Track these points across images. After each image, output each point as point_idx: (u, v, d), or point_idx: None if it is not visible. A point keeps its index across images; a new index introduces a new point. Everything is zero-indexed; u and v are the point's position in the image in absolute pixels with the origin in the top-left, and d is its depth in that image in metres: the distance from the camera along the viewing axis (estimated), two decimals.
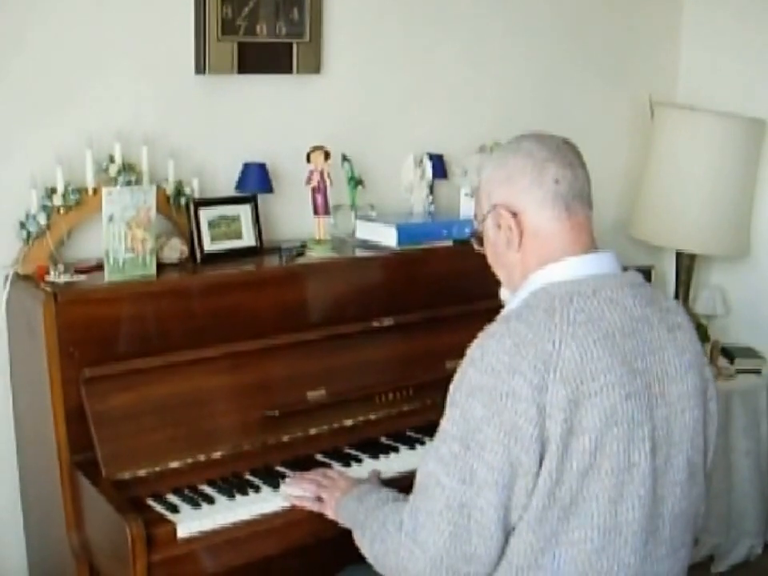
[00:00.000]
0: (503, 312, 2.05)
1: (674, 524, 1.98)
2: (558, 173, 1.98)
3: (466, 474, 1.85)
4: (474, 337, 1.95)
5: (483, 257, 2.16)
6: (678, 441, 1.96)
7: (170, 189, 2.88)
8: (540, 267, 1.99)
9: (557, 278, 1.95)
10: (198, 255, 2.84)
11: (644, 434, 1.88)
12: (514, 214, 2.01)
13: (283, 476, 2.53)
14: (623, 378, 1.86)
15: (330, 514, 2.33)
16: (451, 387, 1.94)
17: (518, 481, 1.83)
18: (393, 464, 2.62)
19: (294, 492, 2.43)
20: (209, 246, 2.86)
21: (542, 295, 1.93)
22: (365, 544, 2.12)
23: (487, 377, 1.84)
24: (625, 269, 2.05)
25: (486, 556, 1.87)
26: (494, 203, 2.04)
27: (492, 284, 2.19)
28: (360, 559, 2.16)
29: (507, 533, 1.87)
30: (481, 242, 2.14)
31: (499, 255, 2.08)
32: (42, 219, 2.67)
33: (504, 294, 2.14)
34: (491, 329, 1.92)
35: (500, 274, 2.13)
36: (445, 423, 1.92)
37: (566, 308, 1.87)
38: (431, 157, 3.38)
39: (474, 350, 1.91)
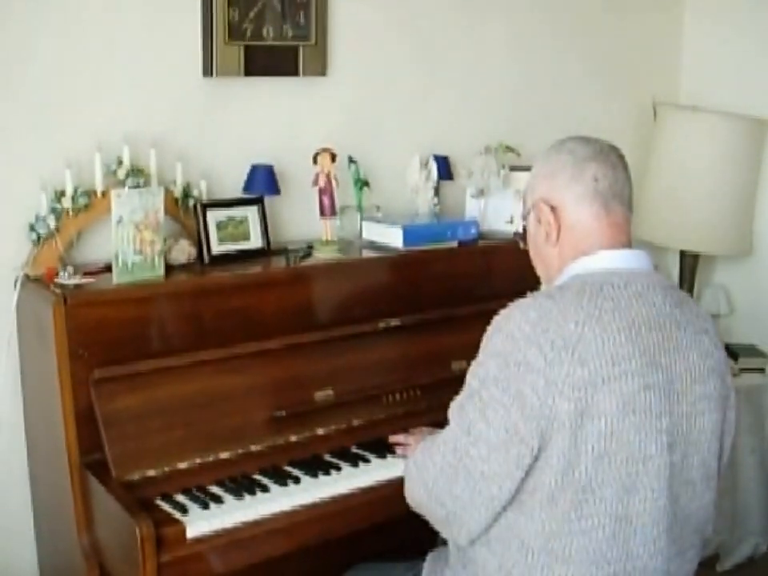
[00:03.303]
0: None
1: (683, 524, 2.00)
2: (599, 171, 2.04)
3: (465, 423, 1.96)
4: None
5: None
6: (696, 441, 1.98)
7: (177, 191, 2.90)
8: (575, 259, 2.04)
9: (591, 268, 2.01)
10: (206, 257, 2.86)
11: (662, 428, 1.91)
12: (553, 209, 2.07)
13: (291, 476, 2.55)
14: (644, 368, 1.90)
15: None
16: (481, 345, 2.02)
17: (511, 448, 1.88)
18: (400, 464, 2.63)
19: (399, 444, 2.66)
20: (216, 247, 2.88)
21: (574, 280, 1.99)
22: None
23: (507, 343, 1.91)
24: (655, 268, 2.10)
25: (469, 502, 1.97)
26: (535, 199, 2.11)
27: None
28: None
29: (494, 497, 1.93)
30: (525, 240, 2.20)
31: (539, 249, 2.15)
32: (52, 222, 2.69)
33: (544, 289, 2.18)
34: (521, 301, 1.98)
35: (539, 268, 2.19)
36: (468, 375, 2.02)
37: (595, 293, 1.92)
38: (437, 158, 3.40)
39: (500, 319, 1.98)
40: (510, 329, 1.92)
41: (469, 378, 2.02)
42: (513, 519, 1.95)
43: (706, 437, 1.99)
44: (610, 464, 1.87)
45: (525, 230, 2.20)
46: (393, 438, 2.69)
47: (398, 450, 2.65)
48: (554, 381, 1.85)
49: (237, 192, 3.05)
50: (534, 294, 1.99)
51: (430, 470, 2.05)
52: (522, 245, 2.23)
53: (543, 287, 2.18)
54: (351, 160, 3.20)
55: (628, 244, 2.07)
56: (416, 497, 2.14)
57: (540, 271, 2.18)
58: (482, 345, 2.01)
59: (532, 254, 2.19)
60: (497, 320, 1.99)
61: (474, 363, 2.02)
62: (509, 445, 1.89)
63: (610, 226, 2.04)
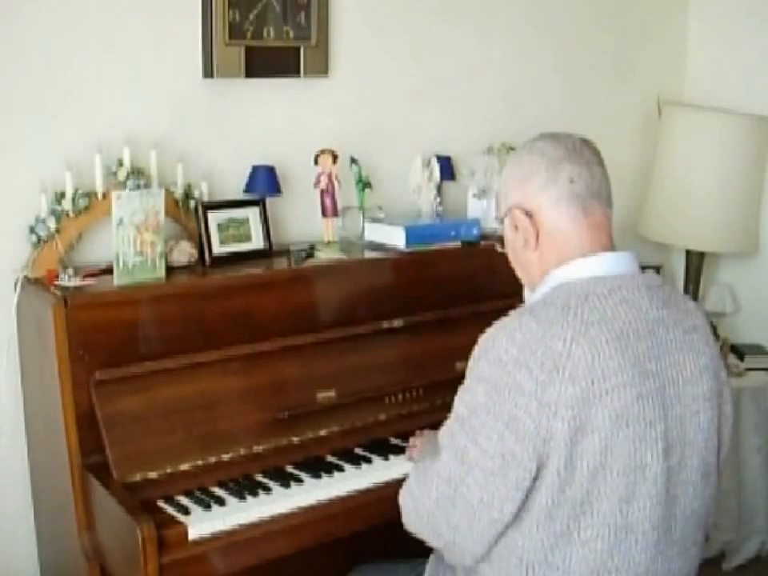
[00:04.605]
0: (520, 306, 2.06)
1: (686, 523, 1.98)
2: (574, 172, 1.99)
3: (458, 452, 1.91)
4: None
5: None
6: (693, 441, 1.96)
7: (178, 192, 2.89)
8: (558, 266, 1.99)
9: (573, 277, 1.96)
10: (207, 258, 2.85)
11: (656, 435, 1.88)
12: (529, 215, 2.02)
13: (294, 477, 2.54)
14: (635, 378, 1.86)
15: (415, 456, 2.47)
16: (466, 371, 1.98)
17: (509, 472, 1.84)
18: (403, 465, 2.62)
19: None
20: (218, 248, 2.88)
21: (558, 292, 1.93)
22: None
23: (494, 367, 1.87)
24: (643, 269, 2.05)
25: (467, 530, 1.92)
26: (510, 205, 2.06)
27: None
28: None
29: (496, 521, 1.89)
30: (503, 243, 2.15)
31: (518, 255, 2.09)
32: (52, 223, 2.69)
33: (527, 294, 2.14)
34: (505, 320, 1.94)
35: (520, 274, 2.14)
36: (456, 401, 1.98)
37: (580, 306, 1.88)
38: (439, 158, 3.39)
39: (486, 340, 1.93)
40: (497, 352, 1.88)
41: (457, 404, 1.98)
42: (511, 537, 1.92)
43: (702, 436, 1.97)
44: (606, 477, 1.84)
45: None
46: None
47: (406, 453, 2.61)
48: (547, 402, 1.81)
49: (238, 193, 3.04)
50: (517, 313, 1.94)
51: (426, 502, 1.99)
52: (499, 248, 2.17)
53: (525, 292, 2.14)
54: (353, 160, 3.19)
55: (609, 244, 2.02)
56: (413, 527, 2.09)
57: (521, 276, 2.13)
58: (468, 369, 1.96)
59: (511, 259, 2.13)
60: (481, 343, 1.94)
61: (460, 388, 1.98)
62: (506, 470, 1.85)
63: (589, 228, 2.00)
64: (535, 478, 1.85)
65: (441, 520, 1.96)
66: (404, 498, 2.10)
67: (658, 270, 4.08)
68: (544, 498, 1.85)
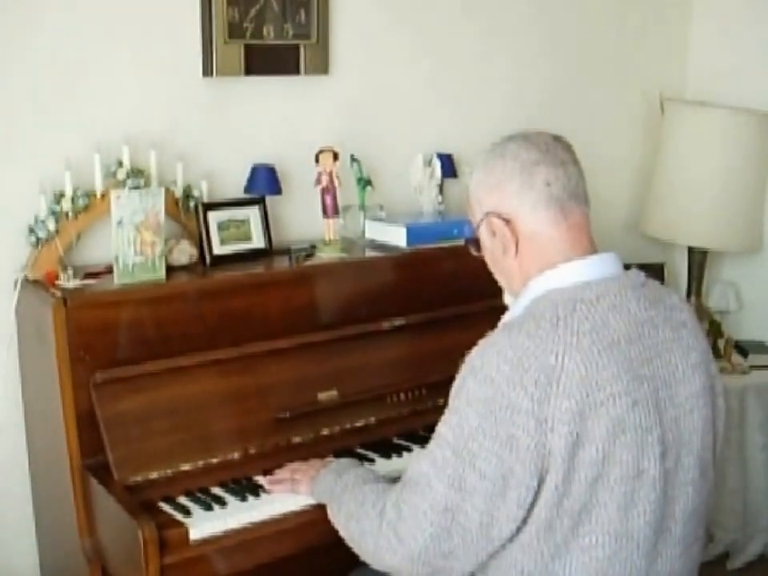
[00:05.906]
0: (504, 318, 2.03)
1: (687, 522, 1.96)
2: (550, 174, 1.94)
3: (455, 480, 1.85)
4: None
5: None
6: (688, 441, 1.94)
7: (178, 192, 2.88)
8: (540, 273, 1.95)
9: (558, 284, 1.92)
10: (208, 258, 2.84)
11: (653, 440, 1.86)
12: (507, 221, 1.98)
13: None
14: (629, 385, 1.83)
15: (304, 489, 2.38)
16: (451, 392, 1.92)
17: (509, 492, 1.81)
18: (405, 464, 2.60)
19: (271, 479, 2.49)
20: (218, 248, 2.86)
21: (544, 303, 1.89)
22: (340, 520, 2.16)
23: (486, 387, 1.82)
24: (627, 267, 2.01)
25: (463, 554, 1.88)
26: (486, 211, 2.01)
27: None
28: None
29: (494, 540, 1.86)
30: (478, 247, 2.10)
31: (497, 262, 2.06)
32: (51, 224, 2.68)
33: (508, 298, 2.11)
34: (492, 337, 1.89)
35: (500, 279, 2.10)
36: (441, 427, 1.91)
37: (569, 317, 1.84)
38: (440, 156, 3.38)
39: (473, 359, 1.88)
40: (487, 372, 1.83)
41: (442, 429, 1.91)
42: (509, 550, 1.89)
43: (698, 434, 1.95)
44: (604, 486, 1.82)
45: (472, 236, 2.10)
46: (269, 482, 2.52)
47: (271, 486, 2.49)
48: (544, 418, 1.78)
49: (238, 192, 3.03)
50: (504, 328, 1.90)
51: (418, 539, 1.89)
52: (474, 252, 2.12)
53: (506, 297, 2.10)
54: (354, 159, 3.18)
55: (591, 246, 1.98)
56: (394, 565, 1.99)
57: (502, 282, 2.09)
58: (454, 389, 1.91)
59: (490, 265, 2.09)
60: (468, 362, 1.89)
61: (447, 411, 1.91)
62: (506, 490, 1.81)
63: (569, 230, 1.95)
64: (535, 494, 1.82)
65: (435, 552, 1.90)
66: (385, 540, 1.97)
67: (661, 268, 4.07)
68: (543, 511, 1.82)
